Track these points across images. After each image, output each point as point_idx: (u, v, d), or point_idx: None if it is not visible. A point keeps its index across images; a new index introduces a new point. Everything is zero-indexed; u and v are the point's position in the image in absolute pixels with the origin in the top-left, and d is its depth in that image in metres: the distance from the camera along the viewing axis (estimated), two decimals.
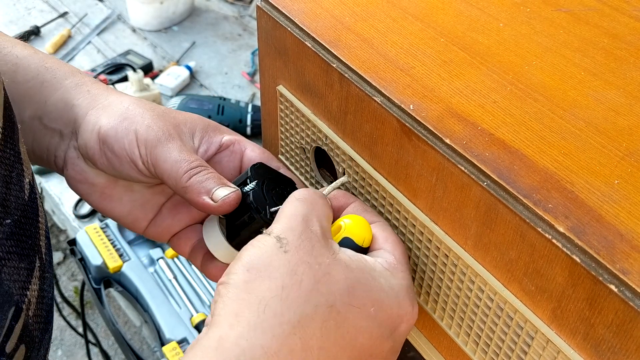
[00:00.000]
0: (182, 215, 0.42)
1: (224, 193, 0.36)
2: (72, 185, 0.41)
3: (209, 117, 1.20)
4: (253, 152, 0.41)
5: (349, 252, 0.32)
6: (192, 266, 1.03)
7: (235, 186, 0.37)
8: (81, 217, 1.14)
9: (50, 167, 0.42)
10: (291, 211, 0.32)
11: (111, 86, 0.42)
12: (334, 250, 0.31)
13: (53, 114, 0.40)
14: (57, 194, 1.16)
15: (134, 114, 0.38)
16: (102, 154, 0.38)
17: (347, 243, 0.33)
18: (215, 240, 0.39)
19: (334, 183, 0.38)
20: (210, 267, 0.41)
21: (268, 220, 0.36)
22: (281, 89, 0.41)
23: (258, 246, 0.30)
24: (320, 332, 0.28)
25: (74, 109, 0.39)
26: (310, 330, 0.28)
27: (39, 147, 0.41)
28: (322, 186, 0.43)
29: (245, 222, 0.37)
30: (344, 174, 0.39)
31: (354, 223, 0.34)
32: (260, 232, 0.34)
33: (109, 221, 1.06)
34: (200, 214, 0.42)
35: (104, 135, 0.38)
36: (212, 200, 0.36)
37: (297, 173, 0.45)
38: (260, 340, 0.27)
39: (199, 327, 0.94)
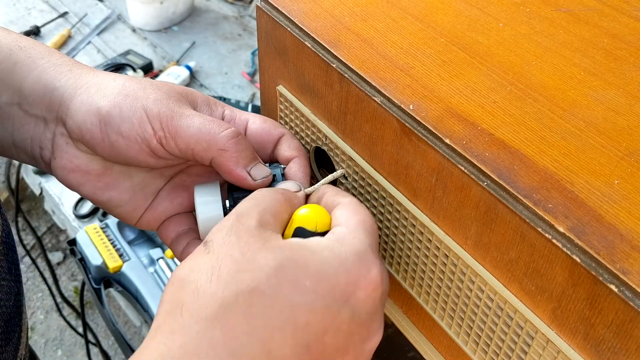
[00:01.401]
0: (180, 199, 0.41)
1: (262, 174, 0.36)
2: (62, 176, 0.38)
3: None
4: (254, 124, 0.39)
5: (291, 239, 0.31)
6: None
7: (267, 167, 0.37)
8: (81, 217, 1.14)
9: (35, 161, 0.39)
10: (231, 212, 0.31)
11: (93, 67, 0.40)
12: (267, 238, 0.30)
13: (32, 98, 0.37)
14: (57, 194, 1.16)
15: (135, 90, 0.36)
16: (104, 137, 0.35)
17: (300, 232, 0.32)
18: (212, 207, 0.38)
19: (328, 177, 0.38)
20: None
21: None
22: (281, 89, 0.41)
23: (190, 257, 0.30)
24: (244, 318, 0.27)
25: (55, 91, 0.36)
26: (232, 319, 0.27)
27: (21, 137, 0.38)
28: None
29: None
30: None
31: (308, 210, 0.33)
32: None
33: (109, 221, 1.06)
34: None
35: (106, 115, 0.35)
36: (251, 176, 0.35)
37: None
38: (178, 341, 0.27)
39: None
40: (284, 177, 0.38)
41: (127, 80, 0.37)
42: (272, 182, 0.37)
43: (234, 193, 0.38)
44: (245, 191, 0.37)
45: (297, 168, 0.38)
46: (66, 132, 0.37)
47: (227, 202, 0.37)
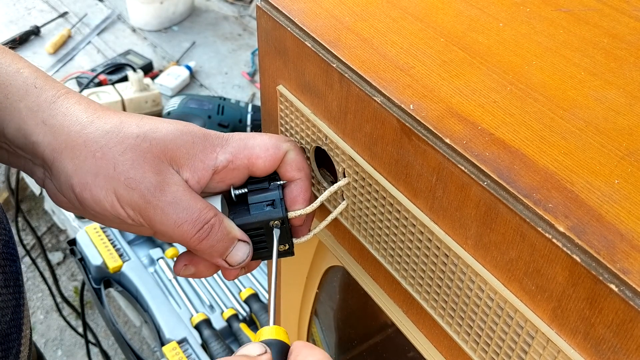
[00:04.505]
0: None
1: (239, 259, 0.36)
2: (60, 207, 0.38)
3: (209, 117, 1.20)
4: (258, 161, 0.37)
5: None
6: None
7: (247, 238, 0.37)
8: (81, 217, 1.14)
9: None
10: None
11: (70, 97, 0.36)
12: None
13: (16, 144, 0.35)
14: None
15: (106, 166, 0.33)
16: (85, 211, 0.35)
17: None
18: None
19: (325, 192, 0.39)
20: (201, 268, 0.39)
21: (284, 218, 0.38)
22: (281, 88, 0.41)
23: None
24: None
25: (36, 146, 0.35)
26: None
27: (16, 165, 0.37)
28: (322, 186, 0.43)
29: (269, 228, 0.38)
30: (344, 174, 0.39)
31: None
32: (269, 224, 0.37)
33: None
34: None
35: (79, 196, 0.34)
36: (228, 263, 0.36)
37: None
38: None
39: (199, 327, 0.94)
40: (282, 200, 0.38)
41: (99, 146, 0.34)
42: (270, 205, 0.38)
43: (233, 207, 0.38)
44: (244, 203, 0.38)
45: (297, 192, 0.38)
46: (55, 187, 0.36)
47: (229, 216, 0.38)
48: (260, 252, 0.39)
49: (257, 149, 0.37)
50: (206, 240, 0.35)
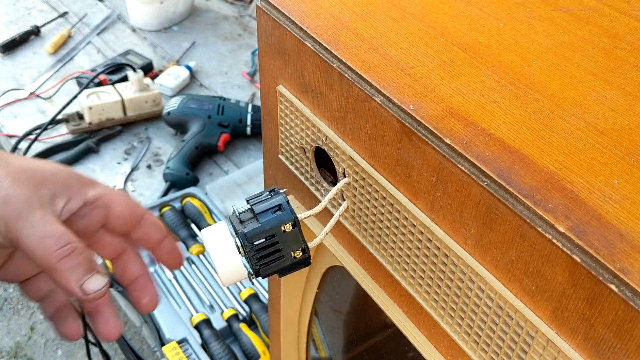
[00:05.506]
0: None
1: (95, 287, 0.36)
2: None
3: (209, 117, 1.20)
4: (119, 206, 0.40)
5: None
6: (192, 266, 1.03)
7: (104, 274, 0.37)
8: None
9: None
10: None
11: None
12: None
13: None
14: None
15: None
16: None
17: None
18: (227, 250, 0.38)
19: (331, 191, 0.38)
20: (64, 325, 0.39)
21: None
22: (281, 89, 0.41)
23: None
24: None
25: None
26: None
27: None
28: (322, 186, 0.43)
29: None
30: (344, 174, 0.39)
31: None
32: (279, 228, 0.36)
33: None
34: None
35: None
36: (82, 291, 0.35)
37: (297, 173, 0.45)
38: None
39: (199, 327, 0.94)
40: (288, 203, 0.37)
41: None
42: (278, 211, 0.37)
43: (240, 224, 0.38)
44: (251, 217, 0.37)
45: (170, 248, 0.43)
46: None
47: (238, 240, 0.37)
48: (277, 262, 0.38)
49: (120, 197, 0.41)
50: (67, 259, 0.35)
